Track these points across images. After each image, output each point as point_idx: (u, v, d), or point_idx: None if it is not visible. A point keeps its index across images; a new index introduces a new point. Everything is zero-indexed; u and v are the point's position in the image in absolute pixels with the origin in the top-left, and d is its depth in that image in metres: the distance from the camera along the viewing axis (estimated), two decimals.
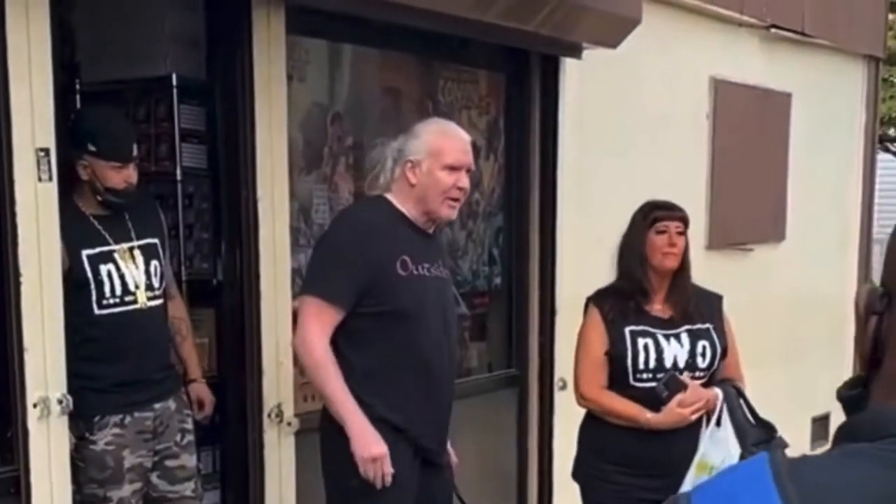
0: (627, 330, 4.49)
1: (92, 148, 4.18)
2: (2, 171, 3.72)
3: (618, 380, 4.50)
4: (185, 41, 4.99)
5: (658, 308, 4.56)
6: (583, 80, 6.28)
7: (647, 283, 4.55)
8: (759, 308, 7.92)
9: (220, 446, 4.90)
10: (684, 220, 4.66)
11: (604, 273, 6.42)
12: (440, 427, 4.18)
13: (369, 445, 3.91)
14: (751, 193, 8.19)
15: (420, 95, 5.72)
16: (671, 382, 4.41)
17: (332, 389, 3.94)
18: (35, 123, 3.76)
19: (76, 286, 4.10)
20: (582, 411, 4.72)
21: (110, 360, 4.22)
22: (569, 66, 6.19)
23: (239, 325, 4.60)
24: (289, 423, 4.61)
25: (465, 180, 4.11)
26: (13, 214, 3.73)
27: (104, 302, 4.21)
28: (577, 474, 4.71)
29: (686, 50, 7.53)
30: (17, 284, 3.75)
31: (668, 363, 4.46)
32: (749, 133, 8.23)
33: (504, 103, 6.14)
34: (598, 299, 4.59)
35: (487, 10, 5.18)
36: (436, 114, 5.76)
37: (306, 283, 4.06)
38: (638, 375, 4.47)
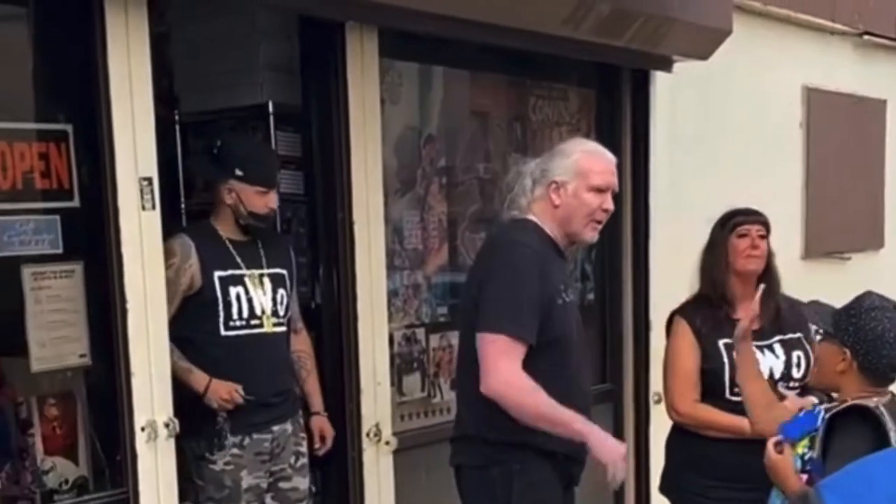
0: (721, 343, 4.44)
1: (239, 173, 4.30)
2: (107, 200, 3.83)
3: (712, 394, 4.46)
4: (281, 68, 5.09)
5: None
6: (674, 93, 6.29)
7: (732, 291, 4.50)
8: None
9: (321, 466, 4.97)
10: (765, 225, 4.61)
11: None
12: (585, 450, 3.99)
13: (617, 446, 3.79)
14: (847, 201, 8.13)
15: (511, 115, 5.77)
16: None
17: (553, 412, 3.71)
18: (138, 154, 3.87)
19: (204, 306, 4.25)
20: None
21: (233, 381, 4.29)
22: (659, 79, 6.21)
23: (337, 346, 4.68)
24: (387, 443, 4.68)
25: (610, 202, 3.99)
26: (118, 243, 3.84)
27: (231, 323, 4.31)
28: (668, 488, 4.69)
29: (778, 59, 7.50)
30: (124, 311, 3.85)
31: (768, 375, 4.39)
32: (844, 141, 8.17)
33: (595, 119, 6.17)
34: (686, 312, 4.53)
35: (578, 26, 5.22)
36: (526, 132, 5.82)
37: (491, 319, 3.72)
38: (736, 389, 4.35)
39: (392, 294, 4.89)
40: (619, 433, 5.87)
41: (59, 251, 3.88)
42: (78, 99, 3.94)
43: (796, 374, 4.49)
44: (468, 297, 3.92)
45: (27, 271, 3.79)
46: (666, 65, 6.10)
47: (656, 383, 5.83)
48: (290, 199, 5.10)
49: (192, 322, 4.20)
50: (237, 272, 4.34)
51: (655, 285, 5.99)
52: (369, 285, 4.67)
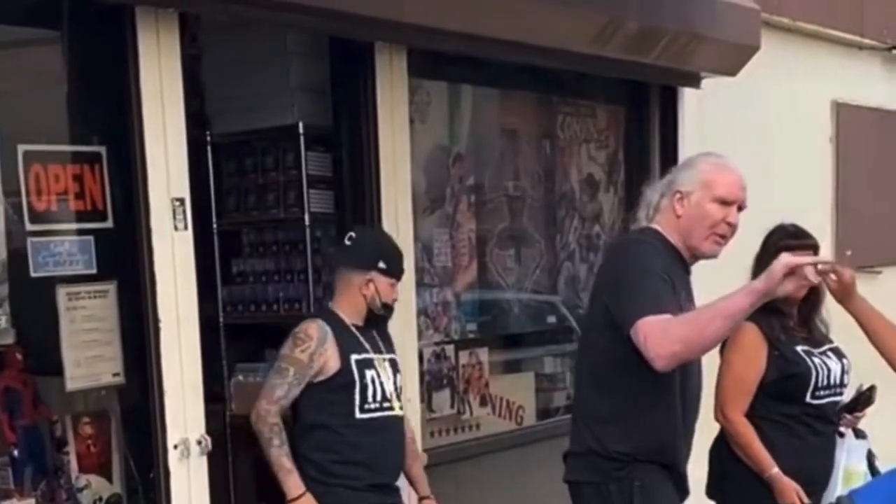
0: (800, 349, 4.47)
1: (382, 266, 4.27)
2: (140, 221, 3.88)
3: (792, 399, 4.44)
4: (311, 89, 5.13)
5: (798, 329, 4.55)
6: (702, 109, 6.30)
7: (783, 306, 4.52)
8: None
9: None
10: (815, 249, 4.62)
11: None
12: (688, 453, 4.01)
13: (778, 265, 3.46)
14: (877, 215, 8.11)
15: (539, 132, 5.81)
16: (861, 398, 4.54)
17: (711, 312, 3.50)
18: (170, 175, 3.91)
19: (338, 390, 4.21)
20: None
21: (368, 462, 4.25)
22: (688, 94, 6.22)
23: None
24: None
25: (735, 216, 3.85)
26: (151, 263, 3.88)
27: (366, 406, 4.26)
28: (721, 489, 4.65)
29: (806, 74, 7.51)
30: (157, 330, 3.90)
31: (835, 380, 4.49)
32: (874, 155, 8.16)
33: (623, 135, 6.19)
34: (756, 320, 4.34)
35: (606, 44, 5.24)
36: (555, 149, 5.85)
37: (633, 310, 3.56)
38: (817, 393, 4.45)
39: (421, 311, 4.92)
40: None
41: (94, 271, 3.92)
42: (111, 121, 3.98)
43: (846, 380, 4.56)
44: (593, 307, 3.85)
45: (62, 291, 3.83)
46: (694, 81, 6.11)
47: None
48: (321, 219, 5.14)
49: (324, 406, 4.19)
50: (368, 356, 4.30)
51: None
52: (399, 303, 4.68)
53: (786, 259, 3.42)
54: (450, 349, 5.19)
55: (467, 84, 5.41)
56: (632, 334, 3.57)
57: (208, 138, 5.30)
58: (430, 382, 5.04)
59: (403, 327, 4.70)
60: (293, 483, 4.15)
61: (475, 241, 5.37)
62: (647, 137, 6.19)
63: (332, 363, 4.18)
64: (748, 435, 4.42)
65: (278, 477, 4.15)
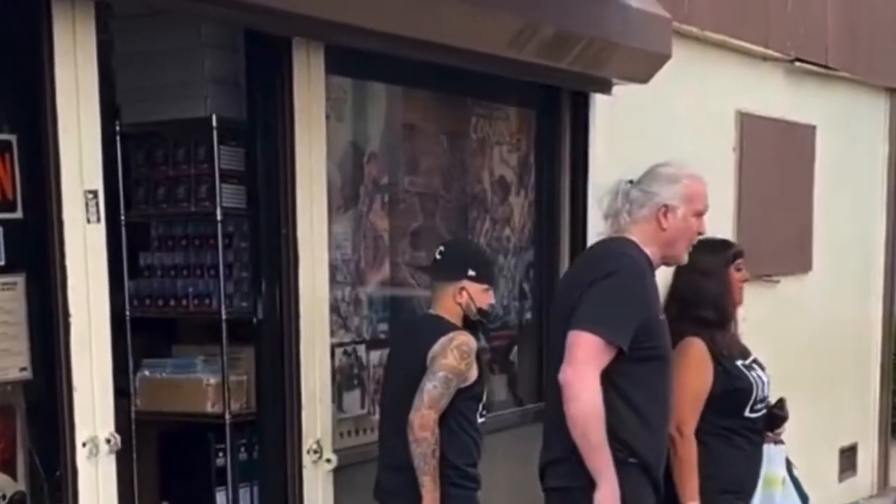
0: (740, 364, 4.54)
1: (472, 273, 4.46)
2: (51, 212, 3.79)
3: (732, 413, 4.51)
4: (225, 82, 5.06)
5: (734, 343, 4.65)
6: (613, 116, 6.34)
7: (725, 321, 4.58)
8: (786, 339, 7.95)
9: (258, 483, 4.95)
10: None
11: None
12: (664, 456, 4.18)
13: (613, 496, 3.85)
14: (777, 225, 8.24)
15: (453, 133, 5.79)
16: (782, 407, 4.63)
17: (600, 438, 3.82)
18: (83, 166, 3.84)
19: (474, 396, 4.43)
20: None
21: (479, 464, 4.52)
22: (599, 101, 6.26)
23: (278, 362, 4.66)
24: (328, 460, 4.66)
25: (705, 225, 4.16)
26: (62, 255, 3.80)
27: (482, 412, 4.51)
28: None
29: (713, 84, 7.60)
30: (67, 324, 3.81)
31: (764, 392, 4.59)
32: (775, 166, 8.28)
33: (535, 139, 6.21)
34: (702, 335, 4.48)
35: (523, 48, 5.25)
36: (467, 151, 5.84)
37: (589, 318, 3.81)
38: (755, 406, 4.55)
39: (332, 310, 4.87)
40: None
41: (2, 263, 3.85)
42: (23, 109, 3.90)
43: (769, 392, 4.65)
44: (566, 307, 3.93)
45: None
46: (606, 87, 6.15)
47: None
48: (233, 214, 5.08)
49: (462, 413, 4.37)
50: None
51: None
52: (312, 301, 4.66)
53: None
54: (361, 349, 5.16)
55: (384, 83, 5.37)
56: (574, 334, 3.77)
57: (118, 128, 5.19)
58: (341, 382, 5.00)
59: (316, 326, 4.67)
60: (436, 496, 4.28)
61: (388, 240, 5.33)
62: (559, 142, 6.21)
63: (474, 373, 4.39)
64: (695, 457, 4.45)
65: (424, 484, 4.26)
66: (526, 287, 6.13)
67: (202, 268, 5.23)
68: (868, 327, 9.75)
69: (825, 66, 8.94)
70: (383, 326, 5.30)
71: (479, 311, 4.49)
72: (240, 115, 4.94)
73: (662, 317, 4.06)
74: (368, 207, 5.24)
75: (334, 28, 4.50)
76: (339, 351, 4.99)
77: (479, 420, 4.47)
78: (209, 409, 5.05)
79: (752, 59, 8.16)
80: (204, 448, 5.16)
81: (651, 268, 4.04)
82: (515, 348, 6.17)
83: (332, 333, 4.87)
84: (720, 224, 7.59)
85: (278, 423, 4.66)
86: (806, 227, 8.68)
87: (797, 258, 8.66)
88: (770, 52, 8.29)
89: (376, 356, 5.17)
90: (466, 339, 4.36)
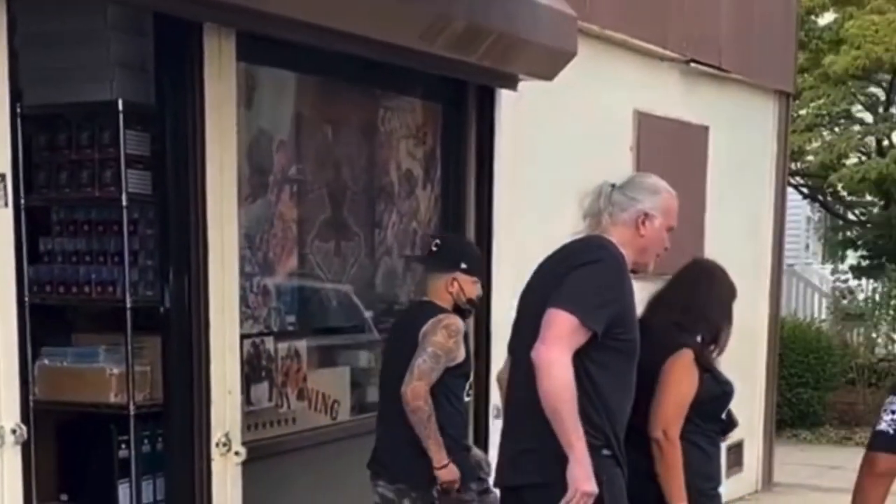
0: (720, 369, 4.71)
1: (464, 266, 4.93)
2: None
3: (711, 417, 4.63)
4: (132, 66, 4.95)
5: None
6: (517, 111, 6.35)
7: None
8: None
9: (164, 475, 4.85)
10: None
11: None
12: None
13: (590, 479, 3.88)
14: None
15: (361, 125, 5.76)
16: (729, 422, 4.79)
17: (570, 413, 3.85)
18: None
19: (461, 376, 4.94)
20: None
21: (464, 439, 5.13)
22: (504, 96, 6.26)
23: (187, 352, 4.57)
24: (237, 453, 4.59)
25: (669, 241, 4.34)
26: None
27: (468, 391, 5.11)
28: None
29: (613, 83, 7.66)
30: None
31: None
32: (670, 165, 8.34)
33: (441, 133, 6.19)
34: (693, 347, 4.59)
35: (434, 41, 5.22)
36: (375, 143, 5.81)
37: (567, 299, 3.88)
38: (728, 409, 4.71)
39: (241, 301, 4.80)
40: None
41: None
42: None
43: None
44: (542, 297, 3.97)
45: None
46: (512, 83, 6.15)
47: (497, 397, 5.87)
48: (138, 200, 4.97)
49: (450, 389, 4.86)
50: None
51: (498, 299, 6.02)
52: (221, 291, 4.58)
53: (591, 491, 3.86)
54: (269, 341, 5.09)
55: (294, 72, 5.31)
56: (551, 312, 3.85)
57: (19, 110, 5.04)
58: (249, 374, 4.93)
59: (225, 317, 4.59)
60: (443, 455, 4.76)
61: (296, 231, 5.27)
62: (464, 136, 6.20)
63: (462, 352, 4.86)
64: (680, 459, 4.51)
65: (429, 448, 4.74)
66: None
67: (105, 254, 5.11)
68: (755, 326, 9.92)
69: (719, 68, 9.07)
70: (291, 318, 5.25)
71: (469, 300, 4.99)
72: (147, 99, 4.84)
73: (636, 314, 4.18)
74: (277, 197, 5.18)
75: (246, 14, 4.44)
76: (247, 342, 4.92)
77: (466, 398, 5.03)
78: (112, 399, 4.94)
79: (650, 59, 8.25)
80: (106, 440, 5.05)
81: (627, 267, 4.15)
82: None
83: (240, 324, 4.79)
84: None
85: (186, 415, 4.57)
86: (699, 227, 8.79)
87: (690, 256, 8.73)
88: (667, 52, 8.38)
89: (284, 348, 5.12)
90: (455, 321, 4.84)
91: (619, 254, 4.09)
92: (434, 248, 4.95)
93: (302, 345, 5.24)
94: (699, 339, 4.61)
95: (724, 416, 4.70)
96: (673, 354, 4.50)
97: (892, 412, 3.97)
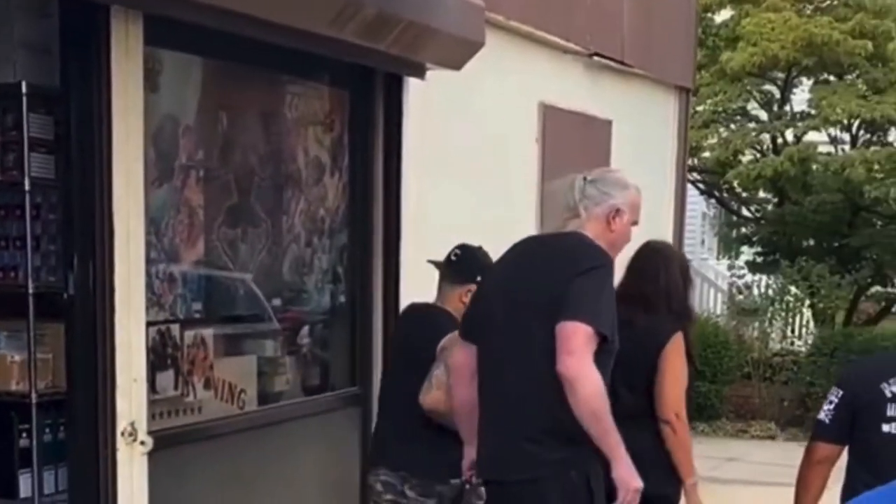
0: None
1: (479, 279, 4.81)
2: None
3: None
4: (36, 48, 4.85)
5: None
6: (425, 100, 6.33)
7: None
8: None
9: (66, 465, 4.75)
10: None
11: None
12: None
13: (635, 476, 4.07)
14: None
15: (268, 111, 5.69)
16: None
17: (610, 419, 4.02)
18: None
19: None
20: None
21: None
22: (412, 85, 6.24)
23: (91, 340, 4.47)
24: (142, 443, 4.50)
25: None
26: None
27: None
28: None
29: (518, 74, 7.68)
30: None
31: None
32: (574, 158, 8.40)
33: (348, 120, 6.15)
34: (677, 327, 4.87)
35: (343, 28, 5.18)
36: (282, 130, 5.76)
37: (582, 310, 4.00)
38: None
39: (147, 287, 4.71)
40: (366, 437, 5.85)
41: None
42: None
43: None
44: (540, 295, 4.10)
45: None
46: (420, 72, 6.13)
47: None
48: (42, 184, 4.87)
49: None
50: None
51: (406, 289, 6.00)
52: (127, 277, 4.48)
53: (638, 486, 4.05)
54: (175, 328, 5.00)
55: (201, 56, 5.23)
56: (567, 325, 3.95)
57: None
58: (154, 362, 4.84)
59: (131, 304, 4.50)
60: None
61: (203, 217, 5.19)
62: (372, 124, 6.17)
63: None
64: (690, 438, 4.86)
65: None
66: (340, 270, 6.06)
67: (7, 239, 5.01)
68: None
69: (621, 62, 9.15)
70: (198, 305, 5.17)
71: None
72: (51, 82, 4.73)
73: None
74: (183, 183, 5.10)
75: None
76: (152, 330, 4.83)
77: None
78: (13, 387, 4.85)
79: (554, 52, 8.29)
80: (6, 428, 4.95)
81: None
82: (306, 328, 6.04)
83: (146, 312, 4.70)
84: (524, 212, 7.71)
85: (90, 403, 4.47)
86: None
87: None
88: (571, 45, 8.43)
89: (190, 336, 5.04)
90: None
91: (607, 254, 4.22)
92: (453, 259, 5.09)
93: (208, 333, 5.16)
94: (680, 320, 4.89)
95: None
96: (668, 342, 4.78)
97: (830, 402, 4.21)
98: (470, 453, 4.51)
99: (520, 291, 4.22)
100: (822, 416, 4.26)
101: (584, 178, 4.35)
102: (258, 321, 5.61)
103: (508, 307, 4.22)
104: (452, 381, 4.54)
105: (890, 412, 4.08)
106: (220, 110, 5.43)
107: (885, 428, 4.08)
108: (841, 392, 4.22)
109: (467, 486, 4.74)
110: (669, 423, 4.75)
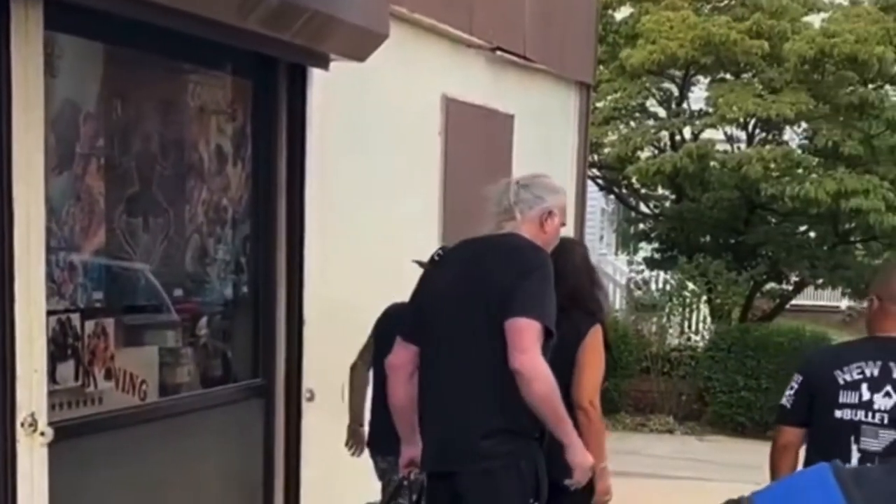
0: None
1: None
2: None
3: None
4: None
5: None
6: (328, 91, 6.31)
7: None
8: None
9: None
10: None
11: (351, 285, 6.49)
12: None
13: (589, 457, 4.43)
14: (478, 210, 8.39)
15: (170, 99, 5.62)
16: None
17: (564, 411, 4.33)
18: None
19: None
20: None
21: None
22: (316, 76, 6.21)
23: None
24: (42, 434, 4.42)
25: None
26: None
27: None
28: None
29: (421, 67, 7.70)
30: None
31: None
32: (477, 151, 8.46)
33: (252, 110, 6.10)
34: (595, 321, 5.11)
35: (247, 17, 5.15)
36: (185, 118, 5.70)
37: (529, 308, 4.25)
38: None
39: (47, 276, 4.63)
40: (269, 429, 5.82)
41: None
42: None
43: None
44: (485, 293, 4.32)
45: None
46: (324, 62, 6.10)
47: (309, 380, 5.85)
48: None
49: None
50: None
51: (310, 281, 5.97)
52: (27, 266, 4.39)
53: (591, 462, 4.43)
54: (75, 318, 4.92)
55: (103, 42, 5.14)
56: (516, 322, 4.19)
57: None
58: (54, 353, 4.75)
59: (31, 293, 4.41)
60: None
61: (104, 206, 5.11)
62: (275, 114, 6.11)
63: None
64: (602, 425, 5.10)
65: None
66: (242, 261, 6.01)
67: None
68: None
69: (523, 57, 9.20)
70: (98, 295, 5.08)
71: None
72: None
73: None
74: (84, 170, 5.01)
75: None
76: (52, 319, 4.74)
77: None
78: None
79: (457, 46, 8.32)
80: None
81: None
82: (205, 319, 5.97)
83: (46, 301, 4.63)
84: (427, 205, 7.73)
85: None
86: None
87: None
88: (474, 39, 8.47)
89: (91, 326, 4.96)
90: None
91: (546, 253, 4.47)
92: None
93: (109, 322, 5.08)
94: (593, 313, 5.11)
95: None
96: (587, 334, 5.00)
97: (791, 388, 4.42)
98: (407, 451, 4.67)
99: (465, 291, 4.42)
100: (784, 401, 4.45)
101: (518, 183, 4.66)
102: (158, 311, 5.54)
103: (454, 307, 4.43)
104: (391, 380, 4.66)
105: (842, 398, 4.25)
106: (122, 98, 5.34)
107: (838, 414, 4.25)
108: (801, 378, 4.42)
109: (405, 482, 4.77)
110: (584, 410, 4.91)
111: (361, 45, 6.09)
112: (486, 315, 4.29)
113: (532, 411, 4.25)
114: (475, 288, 4.37)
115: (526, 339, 4.18)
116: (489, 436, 4.30)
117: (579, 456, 4.36)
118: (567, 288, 4.86)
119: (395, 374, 4.61)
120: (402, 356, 4.58)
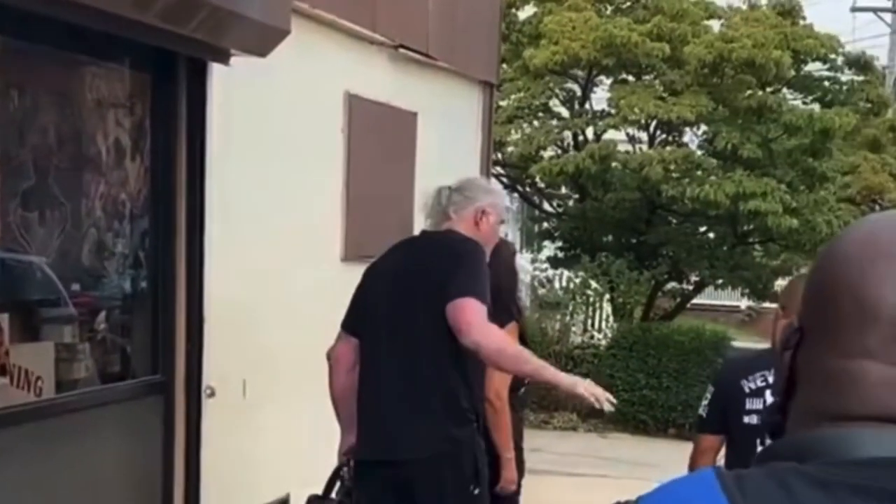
0: None
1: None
2: None
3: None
4: None
5: None
6: (230, 87, 6.27)
7: None
8: None
9: None
10: None
11: (252, 281, 6.46)
12: None
13: (578, 379, 4.76)
14: (382, 208, 8.41)
15: (66, 91, 5.54)
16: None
17: (536, 361, 4.68)
18: None
19: None
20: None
21: None
22: (216, 71, 6.16)
23: None
24: None
25: None
26: None
27: None
28: None
29: (323, 63, 7.67)
30: None
31: None
32: (380, 150, 8.46)
33: (151, 104, 6.04)
34: (514, 317, 5.47)
35: (146, 10, 5.10)
36: (82, 111, 5.63)
37: (468, 289, 4.51)
38: None
39: None
40: (169, 426, 5.76)
41: None
42: None
43: None
44: (425, 287, 4.57)
45: None
46: (224, 57, 6.06)
47: (210, 376, 5.81)
48: None
49: None
50: None
51: (210, 277, 5.92)
52: None
53: (590, 388, 4.59)
54: None
55: None
56: (461, 303, 4.40)
57: None
58: None
59: None
60: None
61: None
62: (174, 109, 6.05)
63: None
64: (509, 417, 5.37)
65: None
66: (141, 255, 5.94)
67: None
68: None
69: (426, 55, 9.22)
70: None
71: None
72: None
73: None
74: None
75: None
76: None
77: None
78: None
79: (360, 42, 8.31)
80: None
81: None
82: (103, 314, 5.90)
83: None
84: (330, 203, 7.71)
85: None
86: (408, 212, 8.89)
87: (398, 239, 8.85)
88: (377, 36, 8.46)
89: None
90: None
91: (480, 245, 4.73)
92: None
93: (4, 317, 5.00)
94: (509, 312, 5.36)
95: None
96: (507, 328, 5.17)
97: (706, 398, 4.69)
98: (347, 439, 4.79)
99: (407, 283, 4.63)
100: (700, 410, 4.71)
101: (449, 188, 4.96)
102: (54, 306, 5.46)
103: (395, 299, 4.63)
104: (332, 371, 4.82)
105: (748, 405, 4.47)
106: (17, 90, 5.26)
107: (746, 419, 4.48)
108: (713, 389, 4.69)
109: (344, 469, 4.84)
110: (490, 402, 5.15)
111: (262, 40, 6.05)
112: (425, 304, 4.50)
113: (472, 401, 4.53)
114: (414, 279, 4.61)
115: (469, 314, 4.39)
116: (432, 423, 4.47)
117: (566, 380, 4.69)
118: (492, 288, 4.95)
119: (336, 365, 4.80)
120: (343, 348, 4.77)
